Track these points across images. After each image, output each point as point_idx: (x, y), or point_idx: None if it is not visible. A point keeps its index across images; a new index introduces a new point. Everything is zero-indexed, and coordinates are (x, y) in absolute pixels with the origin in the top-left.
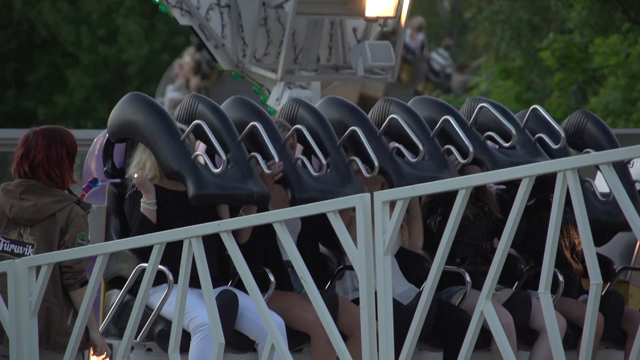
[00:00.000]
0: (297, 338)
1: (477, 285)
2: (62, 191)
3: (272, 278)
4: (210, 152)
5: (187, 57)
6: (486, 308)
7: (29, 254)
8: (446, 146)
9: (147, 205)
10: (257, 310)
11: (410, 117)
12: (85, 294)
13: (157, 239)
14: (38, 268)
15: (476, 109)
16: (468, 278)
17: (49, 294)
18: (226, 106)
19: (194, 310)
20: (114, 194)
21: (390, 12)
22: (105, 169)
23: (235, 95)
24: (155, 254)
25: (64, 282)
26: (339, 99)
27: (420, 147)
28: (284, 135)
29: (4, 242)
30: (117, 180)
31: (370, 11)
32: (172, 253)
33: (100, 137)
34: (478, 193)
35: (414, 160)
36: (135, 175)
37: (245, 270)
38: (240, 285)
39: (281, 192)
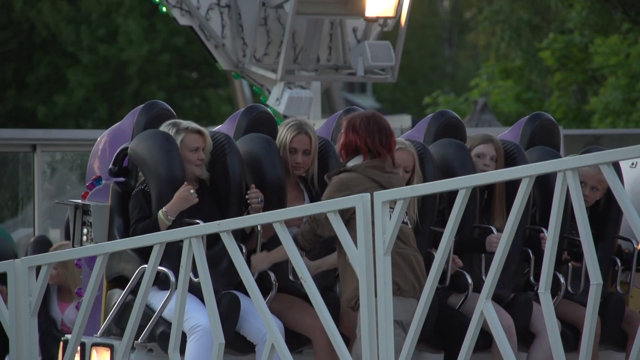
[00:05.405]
0: (297, 340)
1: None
2: None
3: (273, 280)
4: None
5: None
6: (486, 308)
7: None
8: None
9: (167, 220)
10: (256, 313)
11: None
12: (85, 294)
13: (157, 239)
14: (38, 268)
15: None
16: (470, 280)
17: None
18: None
19: (190, 311)
20: (118, 193)
21: (390, 12)
22: (110, 167)
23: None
24: (155, 254)
25: None
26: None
27: None
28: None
29: None
30: (121, 179)
31: (370, 11)
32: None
33: (103, 137)
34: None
35: None
36: (192, 191)
37: (246, 271)
38: (243, 288)
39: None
